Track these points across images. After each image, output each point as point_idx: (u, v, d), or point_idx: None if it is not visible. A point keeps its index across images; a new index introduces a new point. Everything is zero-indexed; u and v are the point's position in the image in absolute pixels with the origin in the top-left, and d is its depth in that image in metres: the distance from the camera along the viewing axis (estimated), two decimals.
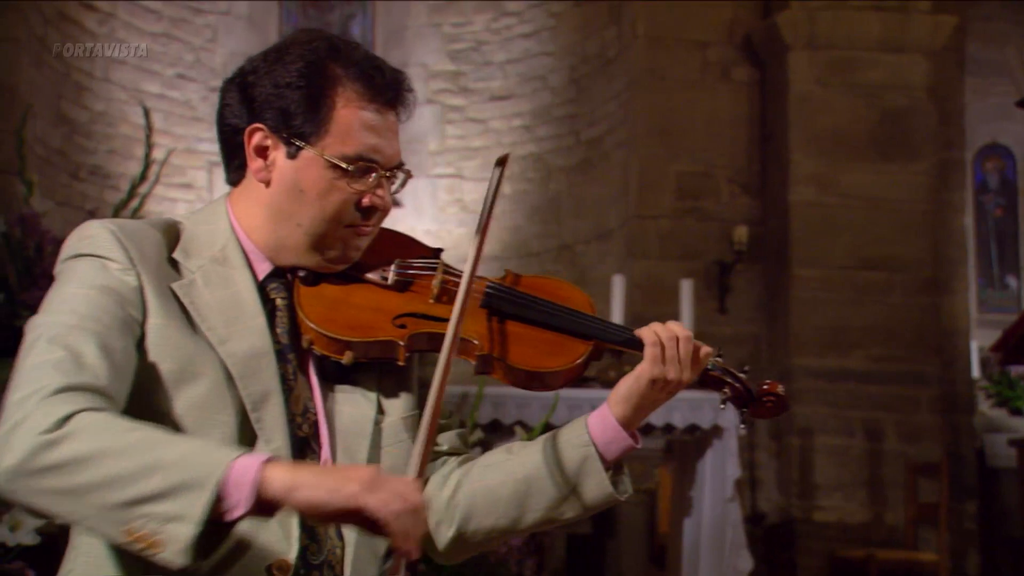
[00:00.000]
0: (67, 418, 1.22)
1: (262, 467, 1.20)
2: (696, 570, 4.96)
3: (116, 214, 4.45)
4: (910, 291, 6.94)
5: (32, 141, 5.79)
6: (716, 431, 4.96)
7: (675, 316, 1.32)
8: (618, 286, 5.80)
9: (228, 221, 1.51)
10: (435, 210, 8.52)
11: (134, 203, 4.28)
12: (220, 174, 1.76)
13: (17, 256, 3.82)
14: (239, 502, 1.20)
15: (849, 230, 6.93)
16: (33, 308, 1.52)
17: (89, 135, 7.48)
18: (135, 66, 7.83)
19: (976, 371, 8.19)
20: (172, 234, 1.48)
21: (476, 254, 1.48)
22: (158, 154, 4.83)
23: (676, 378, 1.49)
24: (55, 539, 2.73)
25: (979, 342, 8.40)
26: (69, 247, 1.44)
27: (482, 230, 1.52)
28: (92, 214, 7.19)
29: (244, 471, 1.20)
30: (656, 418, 4.84)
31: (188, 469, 1.19)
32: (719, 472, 4.95)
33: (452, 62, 8.67)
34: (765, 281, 7.23)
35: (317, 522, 1.31)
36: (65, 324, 1.33)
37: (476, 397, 4.44)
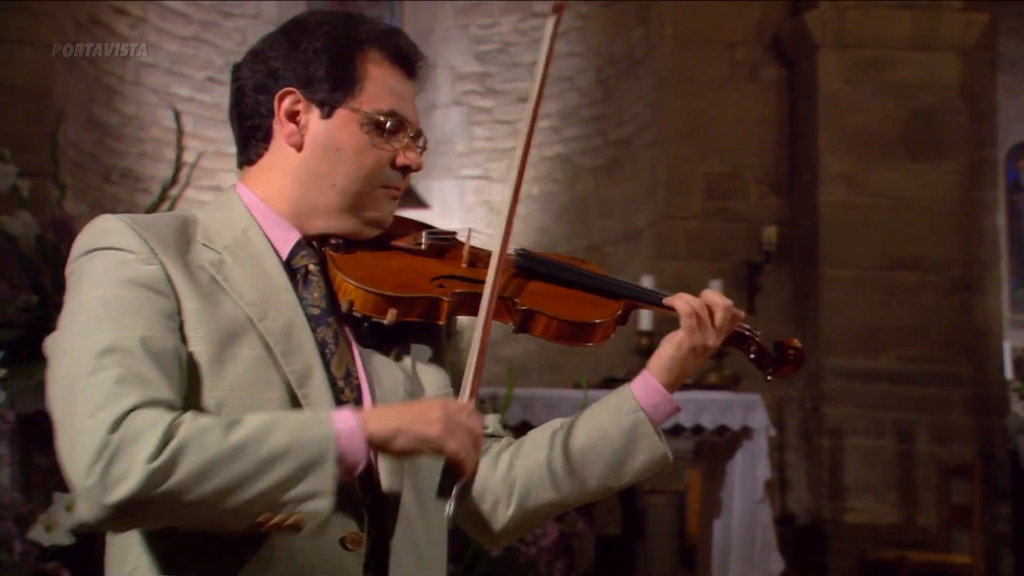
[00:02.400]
0: (165, 439, 1.22)
1: (363, 426, 1.31)
2: (726, 572, 4.94)
3: None
4: (941, 291, 6.89)
5: (65, 145, 5.84)
6: (746, 432, 4.94)
7: None
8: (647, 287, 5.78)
9: (243, 206, 1.49)
10: (463, 212, 8.53)
11: (165, 205, 4.32)
12: None
13: (51, 259, 3.87)
14: (357, 461, 1.31)
15: (879, 230, 6.89)
16: None
17: (120, 138, 7.55)
18: (166, 70, 7.89)
19: (1009, 372, 8.10)
20: (189, 223, 1.46)
21: (513, 202, 1.52)
22: (188, 157, 4.87)
23: (713, 344, 1.59)
24: (91, 539, 2.75)
25: (1012, 342, 8.32)
26: (82, 243, 1.39)
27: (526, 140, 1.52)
28: None
29: (351, 436, 1.30)
30: (686, 419, 4.83)
31: (303, 451, 1.26)
32: (749, 473, 4.94)
33: (479, 63, 8.68)
34: (794, 282, 7.19)
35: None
36: (111, 333, 1.30)
37: (505, 398, 4.44)
